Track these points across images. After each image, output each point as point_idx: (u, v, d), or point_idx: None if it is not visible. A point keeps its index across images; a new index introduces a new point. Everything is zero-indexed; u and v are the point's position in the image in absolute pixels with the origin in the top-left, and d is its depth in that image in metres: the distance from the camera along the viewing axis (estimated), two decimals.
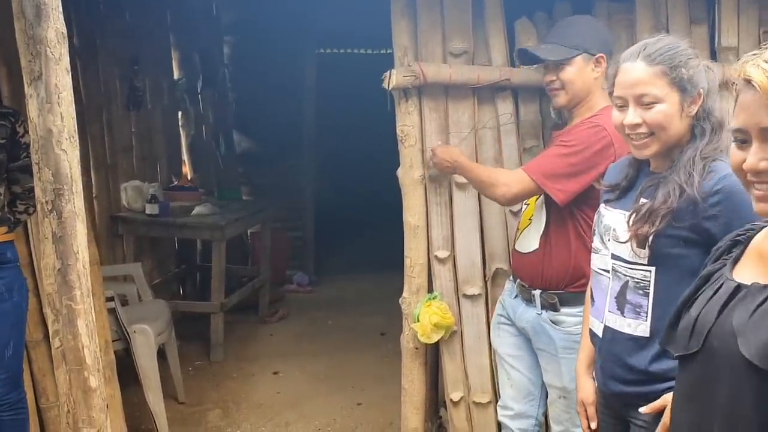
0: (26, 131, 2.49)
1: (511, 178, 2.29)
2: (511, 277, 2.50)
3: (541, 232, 2.30)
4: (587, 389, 1.91)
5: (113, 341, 3.11)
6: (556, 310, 2.27)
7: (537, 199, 2.34)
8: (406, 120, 2.68)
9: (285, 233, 5.93)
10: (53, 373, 2.74)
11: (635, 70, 1.63)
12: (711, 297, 1.11)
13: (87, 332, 1.88)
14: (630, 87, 1.63)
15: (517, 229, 2.46)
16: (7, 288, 2.50)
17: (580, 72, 2.23)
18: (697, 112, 1.65)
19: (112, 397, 2.82)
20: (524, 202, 2.43)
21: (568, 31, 2.29)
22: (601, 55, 2.26)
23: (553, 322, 2.27)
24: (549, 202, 2.28)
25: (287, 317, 5.27)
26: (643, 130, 1.63)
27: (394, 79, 2.60)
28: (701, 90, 1.64)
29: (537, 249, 2.30)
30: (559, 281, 2.26)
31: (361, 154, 7.22)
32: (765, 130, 1.00)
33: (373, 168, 6.42)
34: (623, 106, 1.66)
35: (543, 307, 2.29)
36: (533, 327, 2.32)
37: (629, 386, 1.70)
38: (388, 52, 2.77)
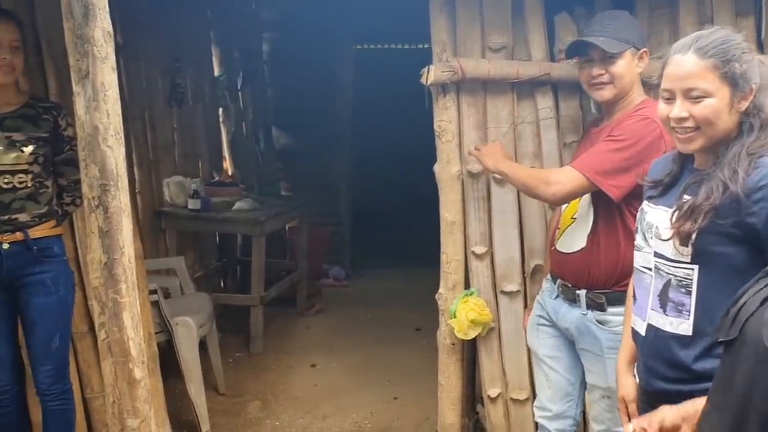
0: (69, 124, 2.57)
1: (563, 176, 2.23)
2: (549, 277, 2.47)
3: (589, 230, 2.26)
4: (629, 386, 1.89)
5: (156, 333, 3.18)
6: (602, 309, 2.23)
7: (579, 199, 2.30)
8: (444, 115, 2.68)
9: (322, 228, 5.98)
10: (98, 364, 2.82)
11: (685, 62, 1.59)
12: (761, 288, 1.10)
13: (132, 324, 1.93)
14: (679, 80, 1.60)
15: (557, 228, 2.41)
16: (53, 281, 2.56)
17: (628, 66, 2.21)
18: (746, 108, 1.61)
19: (155, 388, 2.88)
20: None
21: (615, 24, 2.25)
22: (646, 50, 2.25)
23: (599, 322, 2.24)
24: (597, 200, 2.24)
25: (324, 311, 5.32)
26: (689, 124, 1.60)
27: (432, 74, 2.60)
28: (753, 85, 1.59)
29: (584, 248, 2.26)
30: (606, 280, 2.22)
31: (397, 150, 7.23)
32: None
33: (408, 163, 6.42)
34: (670, 99, 1.63)
35: (588, 307, 2.26)
36: (578, 327, 2.29)
37: (672, 384, 1.67)
38: (425, 47, 2.77)
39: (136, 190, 4.14)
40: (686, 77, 1.59)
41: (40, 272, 2.54)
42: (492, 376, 2.83)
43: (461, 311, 2.71)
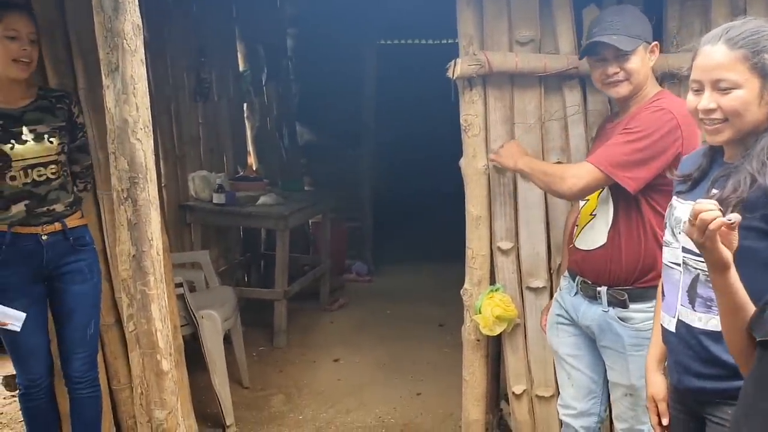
0: (80, 112, 2.64)
1: (578, 171, 2.22)
2: (566, 274, 2.44)
3: (609, 226, 2.23)
4: (658, 385, 1.87)
5: (181, 326, 3.20)
6: (624, 306, 2.21)
7: (599, 193, 2.27)
8: (470, 109, 2.66)
9: (345, 223, 5.98)
10: (125, 356, 2.86)
11: (715, 53, 1.56)
12: None
13: (160, 317, 1.94)
14: (707, 71, 1.57)
15: (576, 225, 2.37)
16: (89, 269, 2.64)
17: (642, 62, 2.19)
18: None
19: (180, 380, 2.90)
20: (584, 198, 2.34)
21: (624, 21, 2.21)
22: (656, 43, 2.22)
23: (621, 319, 2.22)
24: (616, 195, 2.22)
25: (347, 306, 5.32)
26: (717, 115, 1.57)
27: (459, 68, 2.58)
28: None
29: (604, 244, 2.23)
30: (628, 277, 2.19)
31: (420, 145, 7.21)
32: None
33: (432, 159, 6.41)
34: (699, 90, 1.60)
35: (610, 304, 2.23)
36: (599, 325, 2.27)
37: (707, 381, 1.65)
38: (449, 42, 2.75)
39: (162, 184, 4.17)
40: (715, 68, 1.56)
41: (76, 260, 2.60)
42: (517, 372, 2.81)
43: (486, 307, 2.69)
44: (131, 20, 1.82)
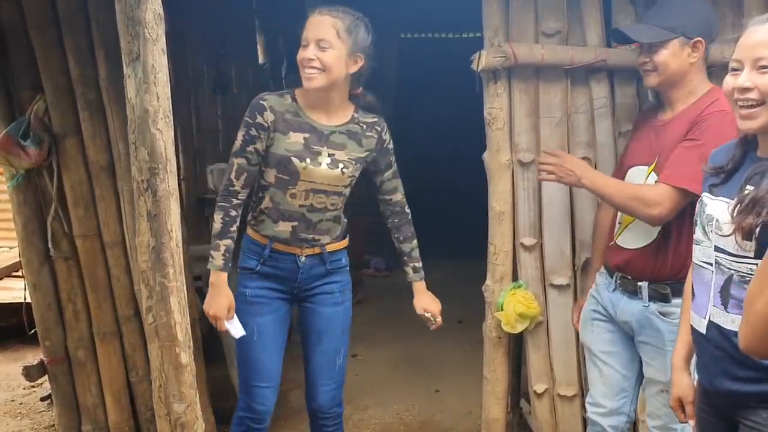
0: None
1: (660, 195, 2.09)
2: (603, 271, 2.39)
3: (660, 227, 2.17)
4: (686, 385, 1.82)
5: (199, 319, 3.18)
6: (666, 301, 2.17)
7: None
8: (495, 102, 2.61)
9: (362, 218, 5.94)
10: (144, 348, 2.85)
11: (759, 32, 1.52)
12: None
13: (179, 309, 1.92)
14: (749, 48, 1.53)
15: (619, 223, 2.31)
16: (340, 290, 2.49)
17: (674, 56, 2.12)
18: None
19: (198, 374, 2.88)
20: None
21: (667, 11, 2.16)
22: (699, 39, 2.13)
23: (661, 314, 2.18)
24: None
25: (365, 301, 5.29)
26: (753, 95, 1.52)
27: (483, 60, 2.54)
28: None
29: (652, 242, 2.19)
30: (672, 273, 2.15)
31: (442, 139, 7.16)
32: None
33: (452, 153, 6.36)
34: (737, 70, 1.56)
35: (651, 299, 2.19)
36: (638, 320, 2.22)
37: (741, 384, 1.59)
38: (472, 36, 2.71)
39: (181, 177, 4.16)
40: (757, 45, 1.52)
41: (329, 282, 2.46)
42: (539, 371, 2.76)
43: (509, 304, 2.65)
44: (152, 9, 1.80)
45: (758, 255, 1.53)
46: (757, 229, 1.50)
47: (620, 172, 2.36)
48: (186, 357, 1.95)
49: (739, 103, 1.56)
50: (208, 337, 3.39)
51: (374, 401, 3.70)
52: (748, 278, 1.55)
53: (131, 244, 2.79)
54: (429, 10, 6.06)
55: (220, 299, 2.29)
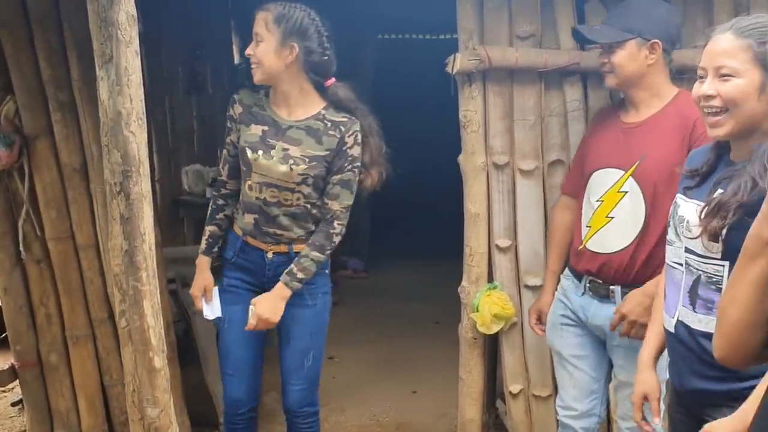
0: None
1: None
2: (567, 274, 2.40)
3: (638, 230, 2.18)
4: (653, 383, 1.85)
5: (174, 323, 3.16)
6: None
7: (620, 197, 2.20)
8: (470, 105, 2.63)
9: None
10: (117, 351, 2.82)
11: (721, 40, 1.56)
12: None
13: (152, 313, 1.91)
14: (711, 57, 1.57)
15: (588, 226, 2.29)
16: (310, 294, 2.43)
17: (631, 57, 2.14)
18: None
19: (173, 377, 2.86)
20: (598, 199, 2.26)
21: (626, 12, 2.19)
22: (656, 41, 2.15)
23: None
24: (653, 200, 2.15)
25: (342, 303, 5.27)
26: (716, 103, 1.56)
27: (458, 62, 2.55)
28: None
29: (628, 246, 2.19)
30: (646, 277, 2.17)
31: (419, 141, 7.17)
32: None
33: (429, 155, 6.37)
34: (703, 77, 1.60)
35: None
36: (612, 324, 2.24)
37: (707, 383, 1.63)
38: (448, 37, 2.73)
39: (155, 179, 4.13)
40: (719, 54, 1.55)
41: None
42: (514, 372, 2.78)
43: (484, 305, 2.67)
44: (125, 10, 1.78)
45: (725, 257, 1.57)
46: (724, 231, 1.54)
47: (581, 176, 2.35)
48: (159, 361, 1.94)
49: (705, 110, 1.59)
50: (184, 340, 3.36)
51: (351, 403, 3.70)
52: (714, 279, 1.59)
53: (104, 247, 2.76)
54: (406, 12, 6.08)
55: (197, 281, 2.51)
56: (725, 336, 1.22)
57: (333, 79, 2.36)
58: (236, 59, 5.64)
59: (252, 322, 2.34)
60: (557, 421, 2.52)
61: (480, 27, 2.60)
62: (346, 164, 2.32)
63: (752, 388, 1.50)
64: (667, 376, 1.80)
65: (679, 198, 1.73)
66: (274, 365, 4.10)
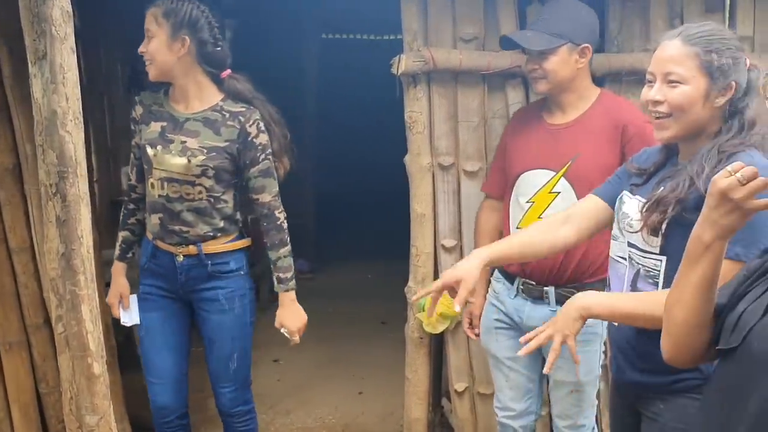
0: None
1: None
2: (498, 277, 2.41)
3: None
4: (471, 271, 1.79)
5: (114, 327, 3.08)
6: None
7: (553, 197, 2.23)
8: (415, 106, 2.64)
9: None
10: (54, 357, 2.72)
11: (670, 47, 1.60)
12: (761, 294, 1.08)
13: (91, 318, 1.85)
14: (660, 63, 1.61)
15: (519, 228, 2.30)
16: (226, 298, 2.41)
17: (563, 62, 2.17)
18: (725, 105, 1.60)
19: (114, 383, 2.79)
20: (529, 200, 2.28)
21: (554, 17, 2.20)
22: (587, 45, 2.20)
23: None
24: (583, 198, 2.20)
25: None
26: (662, 108, 1.60)
27: (403, 64, 2.56)
28: (733, 83, 1.58)
29: None
30: (578, 276, 2.21)
31: (364, 141, 7.18)
32: None
33: (375, 155, 6.39)
34: (652, 82, 1.63)
35: (558, 303, 2.23)
36: None
37: (642, 375, 1.68)
38: (393, 38, 2.74)
39: (94, 179, 4.01)
40: (667, 61, 1.59)
41: (213, 288, 2.41)
42: (459, 370, 2.81)
43: (429, 305, 2.67)
44: (60, 5, 1.73)
45: (662, 251, 1.62)
46: (663, 226, 1.59)
47: (505, 178, 2.38)
48: (99, 367, 1.88)
49: (652, 114, 1.63)
50: (124, 345, 3.28)
51: (296, 405, 3.67)
52: (652, 273, 1.64)
53: (40, 250, 2.67)
54: (350, 11, 6.07)
55: (113, 288, 2.49)
56: (672, 337, 1.25)
57: (229, 71, 2.36)
58: None
59: (295, 339, 2.45)
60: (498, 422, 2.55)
61: (424, 29, 2.61)
62: (258, 154, 2.31)
63: (679, 381, 1.57)
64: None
65: (625, 195, 1.77)
66: None
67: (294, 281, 2.40)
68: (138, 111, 2.39)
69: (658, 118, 1.62)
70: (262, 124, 2.32)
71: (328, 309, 5.14)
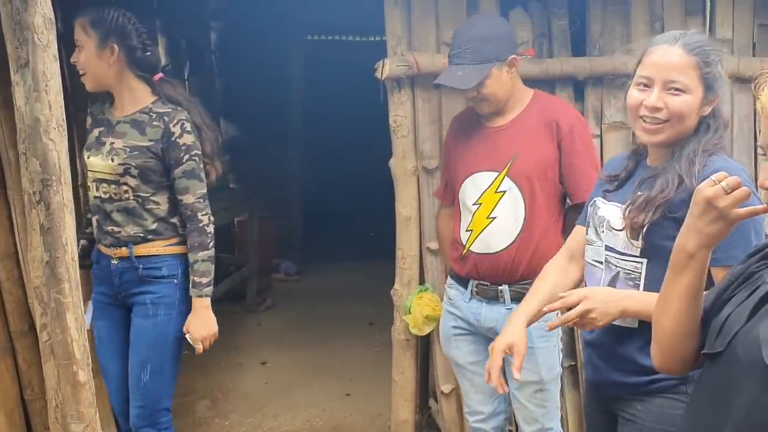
0: None
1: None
2: (450, 283, 2.42)
3: (520, 228, 2.24)
4: (521, 336, 1.87)
5: None
6: None
7: (498, 197, 2.25)
8: (399, 110, 2.65)
9: (271, 222, 5.89)
10: (39, 364, 2.71)
11: (673, 54, 1.60)
12: (745, 299, 1.09)
13: (76, 326, 1.85)
14: (663, 69, 1.60)
15: (468, 230, 2.31)
16: (153, 303, 2.35)
17: (498, 82, 2.19)
18: (707, 114, 1.64)
19: (99, 388, 2.78)
20: (475, 202, 2.29)
21: (475, 44, 2.18)
22: (513, 57, 2.22)
23: None
24: (533, 197, 2.23)
25: (275, 306, 5.24)
26: (661, 115, 1.60)
27: (387, 68, 2.57)
28: (719, 94, 1.63)
29: (511, 245, 2.24)
30: (531, 273, 2.17)
31: (350, 142, 7.18)
32: None
33: (361, 156, 6.38)
34: (647, 86, 1.62)
35: (513, 300, 2.25)
36: (504, 324, 2.19)
37: (617, 375, 1.70)
38: (378, 39, 2.75)
39: (79, 184, 3.98)
40: (671, 68, 1.59)
41: (143, 292, 2.35)
42: (446, 371, 2.82)
43: (416, 307, 2.70)
44: (42, 13, 1.72)
45: (643, 254, 1.65)
46: (645, 228, 1.61)
47: (448, 180, 2.43)
48: (84, 375, 1.88)
49: (645, 119, 1.62)
50: None
51: (284, 408, 3.67)
52: (633, 275, 1.66)
53: (24, 257, 2.65)
54: (335, 13, 6.07)
55: None
56: (661, 346, 1.26)
57: (161, 74, 2.41)
58: (163, 60, 5.50)
59: (198, 347, 2.33)
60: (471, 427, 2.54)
61: (408, 33, 2.63)
62: (182, 154, 2.28)
63: (656, 381, 1.60)
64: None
65: (599, 200, 1.80)
66: (205, 372, 4.06)
67: (210, 288, 2.32)
68: (88, 121, 2.49)
69: (654, 123, 1.62)
70: (188, 125, 2.30)
71: (316, 310, 5.15)
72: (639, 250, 1.65)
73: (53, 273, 1.81)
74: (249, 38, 5.87)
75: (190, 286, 2.31)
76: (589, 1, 2.67)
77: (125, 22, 2.32)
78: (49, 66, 1.75)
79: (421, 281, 2.78)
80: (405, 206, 2.72)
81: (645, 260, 1.64)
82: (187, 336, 2.32)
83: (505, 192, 2.25)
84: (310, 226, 6.39)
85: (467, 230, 2.32)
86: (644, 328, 1.63)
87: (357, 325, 4.73)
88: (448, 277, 2.47)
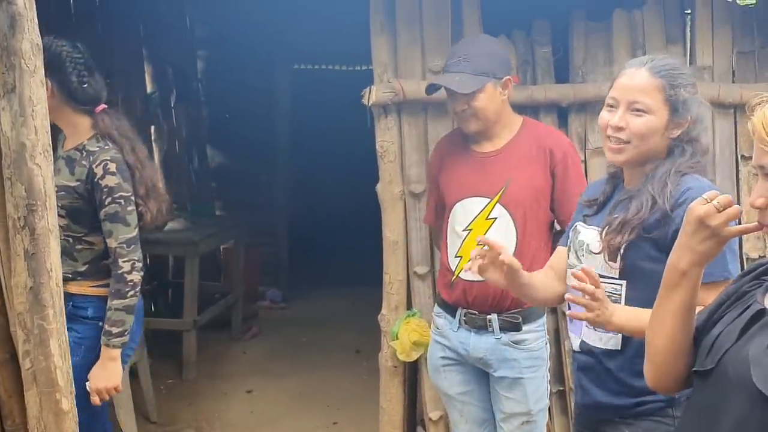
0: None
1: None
2: (439, 312, 2.39)
3: (512, 253, 2.13)
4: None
5: None
6: (518, 329, 2.23)
7: (490, 223, 2.23)
8: (386, 136, 2.68)
9: (257, 248, 5.87)
10: (21, 393, 2.66)
11: (637, 76, 1.65)
12: (736, 317, 1.10)
13: (60, 353, 1.83)
14: (627, 91, 1.65)
15: (457, 257, 2.29)
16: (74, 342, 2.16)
17: (490, 98, 2.21)
18: (679, 136, 1.67)
19: None
20: (465, 228, 2.27)
21: (474, 57, 2.22)
22: (508, 78, 2.24)
23: (514, 343, 2.23)
24: (524, 224, 2.22)
25: (261, 334, 5.19)
26: (623, 135, 1.64)
27: (373, 95, 2.60)
28: (690, 117, 1.65)
29: None
30: (521, 300, 2.14)
31: (335, 170, 7.19)
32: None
33: (347, 184, 6.39)
34: (613, 107, 1.67)
35: (502, 330, 2.24)
36: (492, 353, 2.25)
37: (606, 397, 1.71)
38: (364, 68, 2.78)
39: None
40: (634, 90, 1.64)
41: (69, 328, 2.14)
42: (434, 398, 2.81)
43: (403, 333, 2.69)
44: (29, 38, 1.72)
45: (622, 275, 1.67)
46: (622, 250, 1.63)
47: (435, 205, 2.43)
48: (67, 403, 1.85)
49: (611, 139, 1.67)
50: None
51: None
52: (613, 298, 1.67)
53: (7, 284, 2.62)
54: (322, 42, 6.13)
55: None
56: (654, 365, 1.26)
57: (103, 106, 2.30)
58: (149, 88, 5.52)
59: (94, 399, 2.19)
60: None
61: (394, 60, 2.66)
62: (104, 197, 2.18)
63: (642, 404, 1.60)
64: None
65: (579, 225, 1.81)
66: (190, 400, 4.01)
67: (120, 339, 2.19)
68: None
69: (617, 143, 1.66)
70: (111, 166, 2.18)
71: (302, 338, 5.11)
72: (617, 272, 1.66)
73: (37, 299, 1.79)
74: (236, 67, 5.91)
75: (102, 333, 2.19)
76: (572, 29, 2.72)
77: (56, 54, 2.16)
78: (36, 91, 1.75)
79: (409, 306, 2.78)
80: (392, 231, 2.72)
81: (624, 282, 1.66)
82: (87, 384, 2.18)
83: (496, 219, 2.24)
84: (297, 252, 6.38)
85: (456, 256, 2.30)
86: (628, 348, 1.65)
87: (344, 352, 4.69)
88: (436, 305, 2.45)
